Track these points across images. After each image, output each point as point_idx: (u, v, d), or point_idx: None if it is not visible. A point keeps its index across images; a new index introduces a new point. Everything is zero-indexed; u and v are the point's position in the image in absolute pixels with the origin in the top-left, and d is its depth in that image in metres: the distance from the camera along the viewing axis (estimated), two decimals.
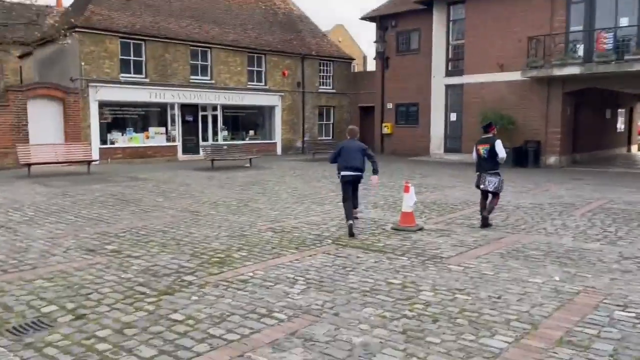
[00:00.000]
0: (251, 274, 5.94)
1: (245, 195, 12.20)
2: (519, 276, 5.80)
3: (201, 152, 19.03)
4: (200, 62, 22.77)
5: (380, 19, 24.86)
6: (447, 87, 21.63)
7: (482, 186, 8.52)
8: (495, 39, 19.74)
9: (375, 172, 8.36)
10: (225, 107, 23.75)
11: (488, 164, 8.40)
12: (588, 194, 12.33)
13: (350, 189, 8.44)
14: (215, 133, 23.56)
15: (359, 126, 27.62)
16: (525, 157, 18.94)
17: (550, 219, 9.32)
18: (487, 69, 20.04)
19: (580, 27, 17.97)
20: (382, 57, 24.97)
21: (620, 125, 25.72)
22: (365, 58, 40.66)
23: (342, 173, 8.38)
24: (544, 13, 18.52)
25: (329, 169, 17.92)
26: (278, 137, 25.62)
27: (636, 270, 6.03)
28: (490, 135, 8.54)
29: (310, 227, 8.54)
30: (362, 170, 8.34)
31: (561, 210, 10.11)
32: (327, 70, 27.48)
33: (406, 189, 8.45)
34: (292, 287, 5.49)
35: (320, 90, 27.18)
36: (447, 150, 21.80)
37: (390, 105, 25.09)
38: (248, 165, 19.05)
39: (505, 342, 4.07)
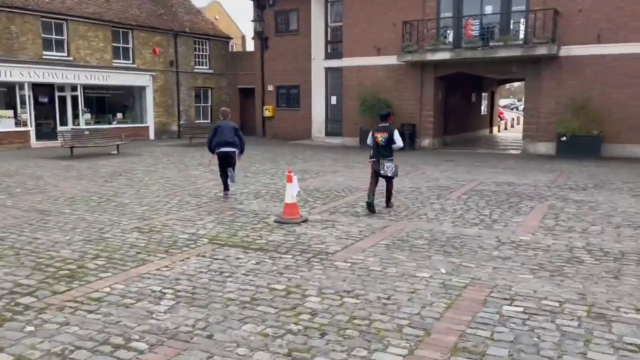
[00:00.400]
0: (108, 289, 4.99)
1: (109, 188, 10.83)
2: (407, 271, 5.54)
3: (59, 138, 16.83)
4: (54, 36, 20.12)
5: None
6: (327, 69, 21.47)
7: (381, 171, 8.56)
8: (372, 23, 19.87)
9: (241, 151, 9.90)
10: (87, 87, 21.36)
11: (385, 151, 8.58)
12: (460, 175, 12.81)
13: (226, 164, 9.77)
14: (76, 116, 21.12)
15: (239, 109, 26.86)
16: (402, 140, 19.40)
17: (429, 203, 9.39)
18: (365, 53, 20.16)
19: (449, 14, 18.69)
20: (260, 37, 24.12)
21: (484, 109, 27.68)
22: (244, 38, 39.32)
23: (217, 150, 9.70)
24: None
25: (207, 155, 16.78)
26: (150, 121, 23.73)
27: (514, 256, 6.09)
28: (387, 124, 8.71)
29: (183, 225, 7.65)
30: (235, 145, 9.71)
31: (439, 194, 10.28)
32: (203, 49, 25.97)
33: (289, 179, 7.90)
34: (157, 303, 4.66)
35: (196, 70, 25.63)
36: (328, 133, 21.75)
37: (270, 88, 24.42)
38: (115, 152, 17.27)
39: (399, 355, 3.69)
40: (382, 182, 8.80)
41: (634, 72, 16.01)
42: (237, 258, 6.02)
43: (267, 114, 24.34)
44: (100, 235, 7.02)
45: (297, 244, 6.61)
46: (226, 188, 9.89)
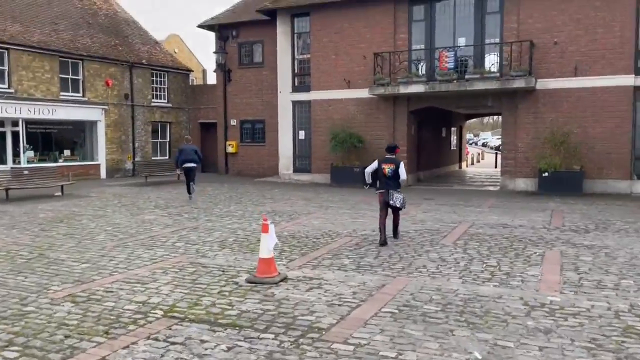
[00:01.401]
0: None
1: (45, 239, 9.09)
2: (432, 357, 4.18)
3: None
4: None
5: (219, 28, 22.81)
6: (295, 103, 20.37)
7: (390, 202, 8.65)
8: (341, 55, 19.02)
9: (199, 163, 14.78)
10: (30, 122, 19.40)
11: (393, 182, 8.69)
12: (447, 216, 11.72)
13: (189, 175, 14.29)
14: (17, 154, 19.06)
15: (200, 144, 25.38)
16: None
17: (424, 251, 8.15)
18: (335, 86, 19.22)
19: (422, 46, 18.04)
20: (223, 70, 22.91)
21: (454, 144, 27.14)
22: (204, 72, 38.09)
23: (183, 165, 14.33)
24: (387, 30, 18.27)
25: (165, 195, 15.20)
26: (102, 158, 21.82)
27: (555, 327, 4.85)
28: (394, 156, 8.83)
29: (132, 289, 6.09)
30: (196, 162, 14.42)
31: (431, 239, 9.08)
32: (161, 82, 24.48)
33: (264, 229, 6.50)
34: None
35: (153, 104, 24.04)
36: (297, 170, 20.46)
37: (234, 122, 23.07)
38: (59, 194, 15.37)
39: None
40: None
41: (612, 105, 15.59)
42: (202, 341, 4.53)
43: (230, 149, 22.90)
44: (20, 309, 5.39)
45: (278, 316, 5.18)
46: (189, 193, 14.28)
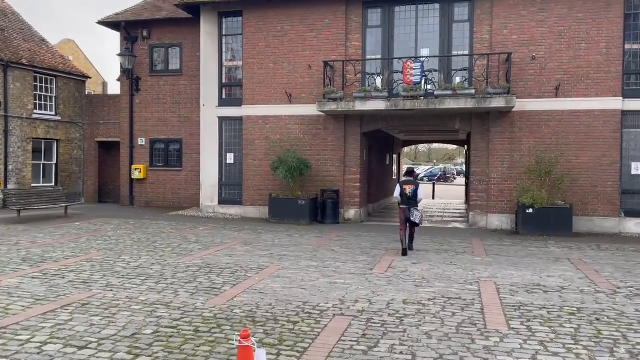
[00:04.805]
0: None
1: None
2: None
3: None
4: None
5: (126, 26, 18.58)
6: (222, 119, 16.59)
7: (411, 218, 9.85)
8: (280, 63, 15.70)
9: None
10: None
11: (413, 201, 9.95)
12: (449, 270, 8.66)
13: None
14: None
15: (97, 167, 20.61)
16: (323, 210, 15.09)
17: (481, 347, 4.97)
18: (273, 100, 15.81)
19: (378, 56, 15.24)
20: (129, 77, 18.60)
21: (395, 172, 24.66)
22: (105, 84, 32.94)
23: None
24: (337, 35, 15.30)
25: (43, 239, 10.33)
26: None
27: None
28: (412, 178, 10.47)
29: None
30: None
31: (468, 318, 5.90)
32: (48, 88, 19.51)
33: (243, 357, 2.89)
34: None
35: (36, 116, 18.98)
36: (223, 201, 16.56)
37: (142, 141, 18.71)
38: None
39: None
40: None
41: (597, 131, 13.67)
42: None
43: (137, 175, 18.46)
44: None
45: None
46: None
